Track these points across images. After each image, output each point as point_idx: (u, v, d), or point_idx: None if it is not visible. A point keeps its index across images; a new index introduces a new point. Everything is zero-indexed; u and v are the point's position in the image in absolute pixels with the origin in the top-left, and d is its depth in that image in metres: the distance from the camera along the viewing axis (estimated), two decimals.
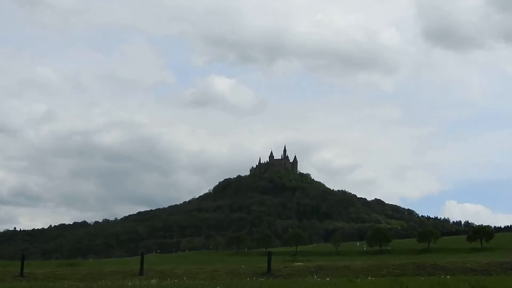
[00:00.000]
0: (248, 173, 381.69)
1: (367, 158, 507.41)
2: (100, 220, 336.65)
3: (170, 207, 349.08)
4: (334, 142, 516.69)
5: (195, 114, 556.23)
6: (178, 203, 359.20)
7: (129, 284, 23.49)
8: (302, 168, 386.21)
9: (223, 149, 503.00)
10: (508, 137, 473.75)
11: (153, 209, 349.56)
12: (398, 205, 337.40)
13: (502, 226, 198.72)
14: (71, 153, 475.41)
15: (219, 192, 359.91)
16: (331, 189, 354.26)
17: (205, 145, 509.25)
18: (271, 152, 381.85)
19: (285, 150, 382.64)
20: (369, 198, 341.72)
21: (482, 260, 32.17)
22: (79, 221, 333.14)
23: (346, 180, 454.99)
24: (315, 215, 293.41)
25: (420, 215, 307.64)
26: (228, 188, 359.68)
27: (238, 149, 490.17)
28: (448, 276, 22.84)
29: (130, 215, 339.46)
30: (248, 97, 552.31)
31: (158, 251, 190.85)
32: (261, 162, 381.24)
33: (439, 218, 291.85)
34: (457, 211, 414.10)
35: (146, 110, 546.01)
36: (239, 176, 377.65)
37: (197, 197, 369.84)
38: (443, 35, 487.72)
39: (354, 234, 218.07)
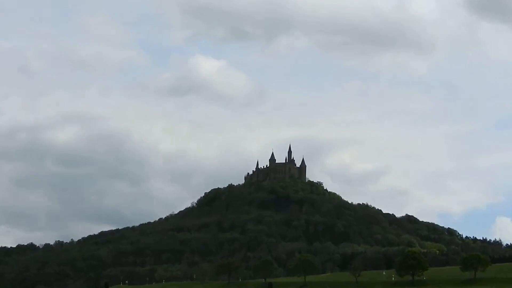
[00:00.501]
0: (242, 181, 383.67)
1: (395, 162, 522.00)
2: (52, 243, 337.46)
3: (142, 225, 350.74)
4: (353, 141, 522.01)
5: (174, 106, 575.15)
6: (152, 221, 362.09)
7: None
8: (312, 175, 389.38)
9: (210, 150, 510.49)
10: None
11: (120, 228, 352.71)
12: (435, 223, 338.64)
13: None
14: (13, 155, 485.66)
15: (205, 206, 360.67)
16: (349, 202, 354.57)
17: (186, 145, 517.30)
18: (272, 154, 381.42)
19: (290, 152, 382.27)
20: (398, 214, 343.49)
21: None
22: (25, 244, 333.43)
23: (368, 191, 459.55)
24: (328, 236, 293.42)
25: (463, 236, 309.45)
26: (217, 201, 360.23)
27: (230, 151, 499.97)
28: None
29: (90, 235, 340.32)
30: (242, 84, 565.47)
31: (127, 282, 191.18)
32: (259, 167, 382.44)
33: (488, 240, 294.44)
34: (511, 231, 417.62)
35: (110, 99, 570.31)
36: (230, 186, 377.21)
37: (176, 212, 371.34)
38: (493, 4, 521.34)
39: (379, 260, 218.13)
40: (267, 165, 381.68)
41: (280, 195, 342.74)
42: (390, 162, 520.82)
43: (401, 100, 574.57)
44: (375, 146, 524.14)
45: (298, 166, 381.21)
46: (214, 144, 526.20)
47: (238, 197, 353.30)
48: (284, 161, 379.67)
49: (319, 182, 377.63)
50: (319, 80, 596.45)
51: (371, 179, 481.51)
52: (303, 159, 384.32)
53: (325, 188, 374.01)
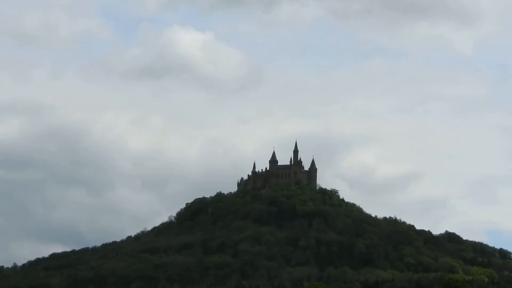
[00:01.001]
0: (234, 189, 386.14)
1: (430, 164, 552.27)
2: None
3: (104, 246, 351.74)
4: (377, 138, 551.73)
5: (145, 92, 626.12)
6: (118, 240, 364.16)
7: None
8: (324, 181, 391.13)
9: (193, 149, 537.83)
10: None
11: (76, 249, 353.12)
12: (484, 242, 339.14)
13: None
14: None
15: (186, 221, 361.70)
16: (373, 216, 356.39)
17: (162, 142, 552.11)
18: (273, 154, 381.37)
19: (296, 152, 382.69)
20: (435, 231, 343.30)
21: None
22: None
23: (396, 201, 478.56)
24: (346, 260, 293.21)
25: None
26: (202, 215, 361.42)
27: (218, 149, 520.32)
28: None
29: (38, 259, 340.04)
30: (233, 63, 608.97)
31: None
32: (256, 171, 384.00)
33: None
34: None
35: (62, 84, 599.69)
36: (219, 195, 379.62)
37: (149, 229, 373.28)
38: None
39: None
40: (266, 168, 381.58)
41: (283, 206, 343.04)
42: (424, 164, 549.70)
43: (438, 85, 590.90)
44: (404, 144, 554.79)
45: (307, 169, 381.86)
46: (197, 141, 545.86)
47: (229, 209, 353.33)
48: (288, 163, 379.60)
49: (334, 190, 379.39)
50: (332, 59, 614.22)
51: (400, 186, 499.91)
52: (312, 160, 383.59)
53: (341, 197, 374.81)
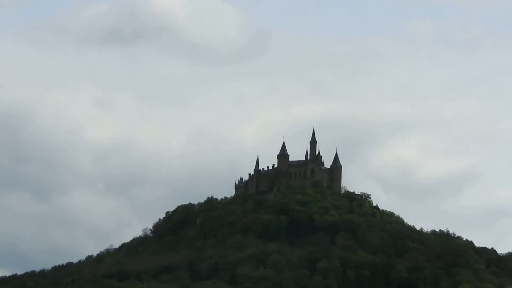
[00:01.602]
0: (231, 193, 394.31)
1: (494, 160, 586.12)
2: None
3: (57, 268, 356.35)
4: (422, 124, 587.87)
5: (111, 63, 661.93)
6: (74, 261, 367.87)
7: None
8: (351, 181, 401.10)
9: (175, 139, 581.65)
10: None
11: (18, 273, 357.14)
12: None
13: None
14: None
15: (167, 235, 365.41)
16: (417, 228, 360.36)
17: (133, 131, 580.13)
18: (283, 146, 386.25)
19: (313, 143, 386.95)
20: (501, 250, 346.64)
21: None
22: None
23: (448, 208, 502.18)
24: (381, 286, 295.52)
25: None
26: (188, 227, 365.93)
27: (209, 141, 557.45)
28: None
29: None
30: (228, 24, 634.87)
31: None
32: (260, 168, 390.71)
33: None
34: None
35: None
36: (211, 201, 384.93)
37: (117, 246, 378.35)
38: None
39: None
40: (273, 166, 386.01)
41: (296, 216, 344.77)
42: (484, 161, 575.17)
43: (506, 52, 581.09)
44: (459, 133, 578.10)
45: (328, 167, 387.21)
46: (180, 129, 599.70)
47: (224, 220, 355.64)
48: (303, 159, 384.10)
49: (364, 194, 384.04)
50: (361, 18, 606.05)
51: (452, 189, 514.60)
52: (335, 155, 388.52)
53: (374, 204, 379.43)
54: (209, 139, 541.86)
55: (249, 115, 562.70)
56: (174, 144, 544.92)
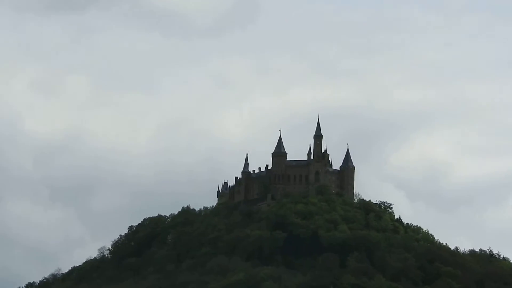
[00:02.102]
0: (213, 201, 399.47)
1: None
2: None
3: None
4: (456, 114, 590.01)
5: (55, 34, 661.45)
6: None
7: None
8: (365, 185, 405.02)
9: (138, 133, 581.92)
10: None
11: None
12: None
13: None
14: None
15: (129, 256, 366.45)
16: (450, 247, 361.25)
17: (84, 123, 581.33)
18: (279, 141, 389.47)
19: (318, 137, 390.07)
20: None
21: None
22: None
23: (488, 221, 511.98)
24: None
25: None
26: (156, 246, 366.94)
27: (182, 135, 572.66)
28: None
29: None
30: None
31: None
32: (249, 170, 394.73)
33: None
34: None
35: None
36: (186, 211, 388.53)
37: (65, 271, 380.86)
38: None
39: None
40: (267, 167, 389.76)
41: (297, 232, 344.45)
42: None
43: None
44: (499, 126, 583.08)
45: (337, 168, 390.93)
46: (146, 118, 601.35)
47: (203, 236, 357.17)
48: (305, 158, 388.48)
49: (384, 203, 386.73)
50: None
51: (494, 196, 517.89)
52: (347, 153, 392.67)
53: (396, 216, 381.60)
54: (183, 132, 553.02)
55: (234, 102, 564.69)
56: (138, 139, 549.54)
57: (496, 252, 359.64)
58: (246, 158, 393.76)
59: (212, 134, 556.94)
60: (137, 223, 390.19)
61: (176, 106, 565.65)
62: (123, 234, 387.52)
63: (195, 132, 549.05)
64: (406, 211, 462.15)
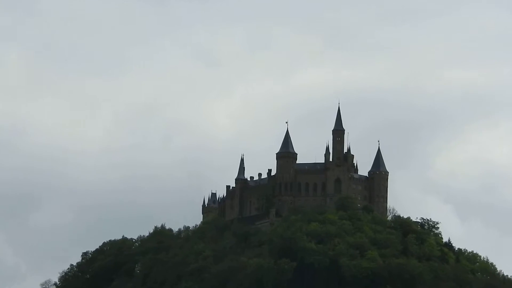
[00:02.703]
0: (196, 219, 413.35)
1: None
2: None
3: None
4: None
5: None
6: None
7: None
8: (402, 197, 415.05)
9: (94, 126, 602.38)
10: None
11: None
12: None
13: None
14: None
15: (95, 280, 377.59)
16: None
17: (16, 112, 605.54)
18: (286, 136, 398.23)
19: (338, 132, 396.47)
20: None
21: None
22: None
23: None
24: None
25: None
26: (120, 279, 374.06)
27: (154, 128, 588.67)
28: None
29: None
30: None
31: None
32: (245, 176, 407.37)
33: None
34: None
35: None
36: (161, 232, 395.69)
37: None
38: None
39: None
40: (270, 172, 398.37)
41: (310, 260, 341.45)
42: None
43: None
44: None
45: (365, 174, 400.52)
46: (104, 107, 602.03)
47: (182, 266, 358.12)
48: (321, 160, 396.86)
49: (428, 221, 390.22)
50: None
51: None
52: (378, 153, 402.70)
53: (444, 239, 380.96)
54: (155, 126, 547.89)
55: (224, 86, 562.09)
56: (92, 134, 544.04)
57: None
58: (242, 160, 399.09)
59: (194, 128, 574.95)
60: (94, 249, 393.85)
61: (146, 91, 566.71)
62: (74, 264, 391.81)
63: (171, 124, 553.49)
64: (458, 232, 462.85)
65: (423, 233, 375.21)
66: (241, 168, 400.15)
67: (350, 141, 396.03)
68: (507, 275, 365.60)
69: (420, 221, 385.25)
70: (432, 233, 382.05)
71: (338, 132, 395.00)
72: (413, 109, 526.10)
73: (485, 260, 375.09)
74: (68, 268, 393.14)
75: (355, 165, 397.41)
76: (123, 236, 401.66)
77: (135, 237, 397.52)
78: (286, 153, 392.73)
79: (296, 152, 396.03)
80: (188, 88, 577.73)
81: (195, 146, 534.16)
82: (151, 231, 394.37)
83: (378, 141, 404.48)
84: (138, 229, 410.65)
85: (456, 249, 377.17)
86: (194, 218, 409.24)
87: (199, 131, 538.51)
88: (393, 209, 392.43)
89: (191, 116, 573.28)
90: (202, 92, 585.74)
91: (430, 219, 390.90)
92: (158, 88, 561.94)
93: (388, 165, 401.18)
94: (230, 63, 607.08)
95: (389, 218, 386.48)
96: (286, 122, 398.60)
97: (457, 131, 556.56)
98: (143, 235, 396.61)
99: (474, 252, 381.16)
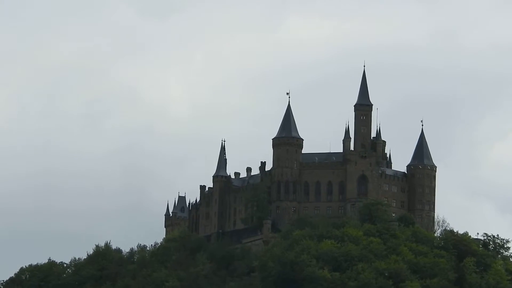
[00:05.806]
0: (158, 234, 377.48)
1: None
2: None
3: None
4: None
5: None
6: None
7: None
8: (455, 201, 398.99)
9: (26, 114, 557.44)
10: None
11: None
12: None
13: None
14: None
15: None
16: None
17: None
18: (286, 112, 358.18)
19: (364, 108, 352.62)
20: None
21: None
22: None
23: None
24: None
25: None
26: None
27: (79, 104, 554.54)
28: None
29: None
30: None
31: None
32: (227, 173, 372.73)
33: None
34: None
35: None
36: (104, 252, 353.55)
37: None
38: None
39: None
40: (263, 166, 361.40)
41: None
42: None
43: None
44: None
45: (403, 170, 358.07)
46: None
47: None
48: (339, 150, 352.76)
49: (494, 238, 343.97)
50: None
51: None
52: (421, 137, 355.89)
53: None
54: (76, 98, 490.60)
55: (181, 42, 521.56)
56: (28, 124, 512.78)
57: None
58: (222, 148, 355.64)
59: (142, 103, 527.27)
60: (9, 276, 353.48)
61: (64, 51, 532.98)
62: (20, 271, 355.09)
63: (119, 99, 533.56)
64: None
65: (486, 255, 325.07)
66: (222, 161, 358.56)
67: (380, 121, 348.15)
68: None
69: (482, 238, 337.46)
70: (499, 256, 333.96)
71: (363, 108, 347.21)
72: (459, 83, 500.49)
73: None
74: (14, 275, 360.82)
75: (388, 156, 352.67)
76: (49, 259, 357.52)
77: (67, 261, 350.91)
78: (286, 138, 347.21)
79: (301, 137, 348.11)
80: (124, 46, 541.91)
81: (136, 129, 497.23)
82: (91, 252, 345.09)
83: (421, 121, 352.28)
84: (71, 250, 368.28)
85: None
86: (152, 234, 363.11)
87: (150, 108, 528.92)
88: (444, 221, 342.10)
89: (136, 86, 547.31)
90: (147, 52, 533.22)
91: (498, 235, 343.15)
92: (81, 47, 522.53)
93: (435, 157, 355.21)
94: (188, 10, 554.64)
95: (438, 233, 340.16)
96: (287, 94, 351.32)
97: None
98: (79, 258, 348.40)
99: None
